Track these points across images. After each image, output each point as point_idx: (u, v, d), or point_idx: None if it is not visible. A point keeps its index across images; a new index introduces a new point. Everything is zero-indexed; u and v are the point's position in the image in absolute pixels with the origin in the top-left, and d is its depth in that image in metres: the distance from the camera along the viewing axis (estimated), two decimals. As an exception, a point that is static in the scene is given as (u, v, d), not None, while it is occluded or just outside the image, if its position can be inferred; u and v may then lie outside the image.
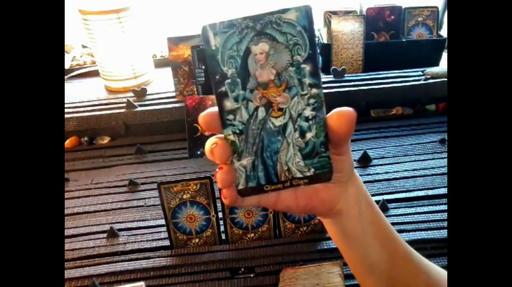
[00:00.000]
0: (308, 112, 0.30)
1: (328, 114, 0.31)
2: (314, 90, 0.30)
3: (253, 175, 0.31)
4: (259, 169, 0.31)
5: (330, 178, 0.32)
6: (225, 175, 0.31)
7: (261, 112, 0.30)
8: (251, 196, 0.32)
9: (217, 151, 0.30)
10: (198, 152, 0.92)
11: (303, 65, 0.29)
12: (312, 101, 0.30)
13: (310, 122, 0.30)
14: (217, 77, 0.29)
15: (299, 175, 0.32)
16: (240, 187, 0.32)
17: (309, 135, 0.31)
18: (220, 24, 0.29)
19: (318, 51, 1.18)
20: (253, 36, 0.29)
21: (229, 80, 0.29)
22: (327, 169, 0.31)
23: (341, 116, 0.30)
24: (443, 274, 0.39)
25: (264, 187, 0.32)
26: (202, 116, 0.30)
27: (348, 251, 0.39)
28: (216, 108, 0.30)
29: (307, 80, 0.30)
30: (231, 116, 0.30)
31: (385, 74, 1.08)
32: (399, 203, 0.77)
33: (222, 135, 0.31)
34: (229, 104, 0.30)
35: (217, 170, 0.31)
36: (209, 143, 0.30)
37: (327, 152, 0.31)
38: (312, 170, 0.31)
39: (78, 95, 1.10)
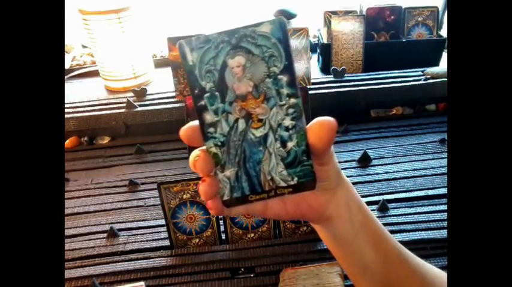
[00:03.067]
0: (288, 122, 0.31)
1: (309, 124, 0.31)
2: (292, 100, 0.30)
3: (238, 185, 0.32)
4: (243, 179, 0.32)
5: (314, 186, 0.32)
6: (207, 187, 0.31)
7: (241, 124, 0.31)
8: (237, 207, 0.33)
9: (199, 164, 0.30)
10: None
11: (280, 76, 0.30)
12: (290, 110, 0.30)
13: (291, 131, 0.31)
14: (196, 91, 0.30)
15: (283, 184, 0.32)
16: (225, 197, 0.32)
17: (290, 144, 0.31)
18: (196, 40, 0.29)
19: (319, 51, 1.19)
20: (229, 50, 0.29)
21: (208, 94, 0.30)
22: (310, 177, 0.32)
23: (321, 126, 0.30)
24: (438, 273, 0.39)
25: (249, 197, 0.32)
26: (183, 130, 0.31)
27: (340, 255, 0.39)
28: (196, 122, 0.31)
29: (285, 91, 0.30)
30: (211, 129, 0.30)
31: (385, 74, 1.08)
32: (399, 203, 0.77)
33: (204, 148, 0.31)
34: (209, 117, 0.30)
35: (200, 182, 0.31)
36: (192, 156, 0.31)
37: (309, 160, 0.31)
38: (296, 178, 0.32)
39: (78, 95, 1.10)
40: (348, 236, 0.37)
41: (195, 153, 0.31)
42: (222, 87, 0.30)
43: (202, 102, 0.30)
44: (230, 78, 0.30)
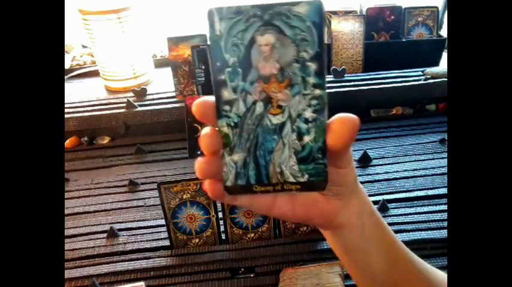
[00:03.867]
0: (308, 114, 0.28)
1: (330, 119, 0.29)
2: (317, 91, 0.28)
3: (244, 172, 0.30)
4: (251, 167, 0.30)
5: (324, 188, 0.30)
6: (204, 164, 0.29)
7: (259, 107, 0.29)
8: (242, 196, 0.31)
9: (205, 140, 0.28)
10: (198, 152, 0.92)
11: (308, 63, 0.28)
12: (314, 102, 0.28)
13: (310, 124, 0.29)
14: (217, 63, 0.28)
15: (292, 179, 0.30)
16: (229, 183, 0.30)
17: (306, 138, 0.29)
18: (227, 9, 0.27)
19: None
20: (260, 26, 0.27)
21: (229, 69, 0.28)
22: (322, 177, 0.29)
23: (343, 122, 0.28)
24: (444, 278, 0.39)
25: (254, 186, 0.30)
26: (196, 104, 0.29)
27: (348, 262, 0.37)
28: (211, 98, 0.29)
29: (312, 80, 0.28)
30: (227, 107, 0.29)
31: (385, 74, 1.08)
32: (399, 203, 0.77)
33: (215, 127, 0.29)
34: (227, 93, 0.28)
35: (198, 158, 0.29)
36: (202, 133, 0.29)
37: (324, 159, 0.29)
38: (306, 176, 0.29)
39: (78, 95, 1.10)
40: (357, 244, 0.35)
41: (205, 130, 0.29)
42: (245, 64, 0.28)
43: (222, 77, 0.28)
44: (256, 56, 0.28)
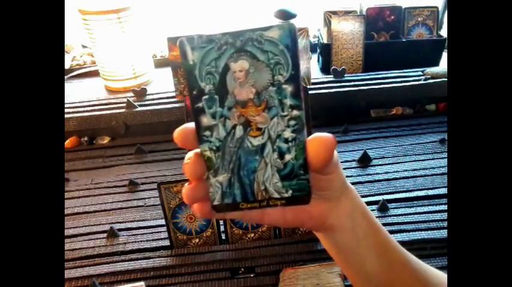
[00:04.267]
0: (288, 134, 0.29)
1: (308, 139, 0.30)
2: (295, 112, 0.29)
3: (229, 192, 0.31)
4: (236, 186, 0.31)
5: (308, 201, 0.31)
6: (191, 191, 0.30)
7: (239, 131, 0.29)
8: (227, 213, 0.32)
9: (188, 168, 0.30)
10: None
11: (284, 86, 0.28)
12: (292, 122, 0.29)
13: (290, 144, 0.29)
14: (194, 92, 0.29)
15: (276, 195, 0.31)
16: (216, 202, 0.31)
17: (288, 157, 0.30)
18: (199, 39, 0.28)
19: (319, 51, 1.18)
20: (233, 53, 0.28)
21: (206, 96, 0.29)
22: (305, 192, 0.30)
23: (320, 142, 0.29)
24: (442, 278, 0.39)
25: (240, 204, 0.31)
26: (177, 132, 0.30)
27: (342, 263, 0.38)
28: (191, 124, 0.30)
29: (288, 101, 0.28)
30: (207, 133, 0.29)
31: (385, 74, 1.08)
32: (399, 203, 0.77)
33: (198, 151, 0.30)
34: (206, 120, 0.29)
35: (185, 185, 0.31)
36: (185, 159, 0.30)
37: (306, 175, 0.30)
38: (290, 191, 0.30)
39: (78, 95, 1.10)
40: (350, 245, 0.36)
41: (188, 155, 0.30)
42: (222, 91, 0.29)
43: (200, 105, 0.29)
44: (231, 82, 0.28)
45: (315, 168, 0.30)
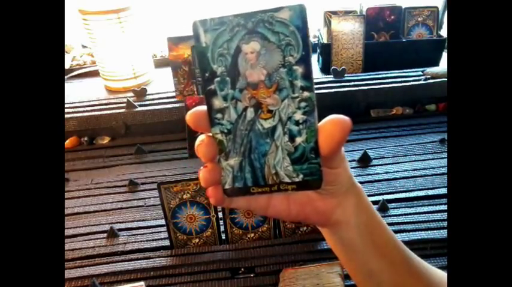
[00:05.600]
0: (298, 116, 0.29)
1: (322, 121, 0.29)
2: (306, 94, 0.29)
3: (240, 175, 0.31)
4: (247, 170, 0.31)
5: (320, 186, 0.30)
6: (208, 173, 0.30)
7: (250, 113, 0.30)
8: (239, 197, 0.32)
9: (202, 149, 0.30)
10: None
11: (295, 67, 0.28)
12: (303, 104, 0.29)
13: (301, 126, 0.29)
14: (206, 74, 0.29)
15: (287, 179, 0.30)
16: (227, 186, 0.31)
17: (298, 139, 0.30)
18: (211, 21, 0.28)
19: (319, 51, 1.18)
20: (244, 34, 0.28)
21: (218, 79, 0.29)
22: (316, 176, 0.30)
23: (334, 124, 0.29)
24: (443, 277, 0.39)
25: (251, 188, 0.31)
26: (190, 115, 0.30)
27: (346, 259, 0.38)
28: (204, 107, 0.30)
29: (299, 83, 0.28)
30: (219, 115, 0.30)
31: (385, 74, 1.08)
32: (399, 203, 0.77)
33: (210, 134, 0.30)
34: (217, 102, 0.29)
35: (201, 168, 0.30)
36: (197, 141, 0.30)
37: (317, 158, 0.30)
38: (301, 176, 0.30)
39: (78, 95, 1.10)
40: (354, 242, 0.35)
41: (200, 138, 0.30)
42: (233, 73, 0.29)
43: (212, 87, 0.29)
44: (243, 64, 0.29)
45: (327, 150, 0.29)
